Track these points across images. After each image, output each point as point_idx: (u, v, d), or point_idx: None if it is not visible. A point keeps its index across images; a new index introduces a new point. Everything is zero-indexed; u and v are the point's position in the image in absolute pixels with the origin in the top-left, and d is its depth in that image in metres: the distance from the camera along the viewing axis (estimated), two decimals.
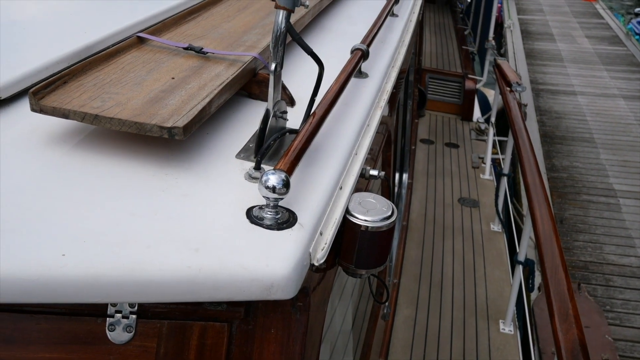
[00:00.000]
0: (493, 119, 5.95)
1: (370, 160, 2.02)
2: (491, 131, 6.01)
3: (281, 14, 1.40)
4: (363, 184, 1.74)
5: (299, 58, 2.09)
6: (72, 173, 1.21)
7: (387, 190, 2.48)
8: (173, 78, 1.59)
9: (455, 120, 7.35)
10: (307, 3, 1.52)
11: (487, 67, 7.66)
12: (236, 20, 2.21)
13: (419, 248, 4.87)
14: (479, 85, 7.52)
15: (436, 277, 4.65)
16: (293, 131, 1.50)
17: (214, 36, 2.07)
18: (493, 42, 7.50)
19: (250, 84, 1.79)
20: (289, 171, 1.14)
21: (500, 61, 5.81)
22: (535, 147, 10.00)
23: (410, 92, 4.78)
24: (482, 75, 7.73)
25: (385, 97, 2.19)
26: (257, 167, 1.33)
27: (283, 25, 1.40)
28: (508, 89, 5.10)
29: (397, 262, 4.55)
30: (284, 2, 1.42)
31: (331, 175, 1.37)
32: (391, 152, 2.97)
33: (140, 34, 1.88)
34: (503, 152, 6.27)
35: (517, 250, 4.13)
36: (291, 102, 1.77)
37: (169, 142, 1.38)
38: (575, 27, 17.24)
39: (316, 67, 1.60)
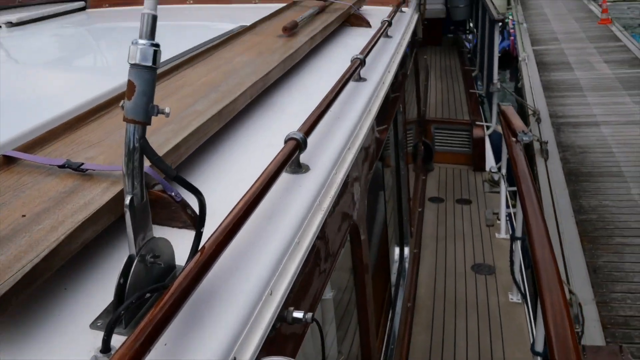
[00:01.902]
0: (504, 171, 5.43)
1: (299, 300, 1.55)
2: (503, 186, 5.48)
3: (133, 129, 1.07)
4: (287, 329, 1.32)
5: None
6: None
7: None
8: (24, 215, 1.26)
9: (467, 171, 6.84)
10: (168, 110, 1.14)
11: (495, 111, 7.17)
12: None
13: (427, 331, 4.32)
14: (488, 132, 7.01)
15: None
16: (158, 289, 1.10)
17: (109, 143, 1.69)
18: (499, 85, 7.00)
19: None
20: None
21: (505, 107, 5.30)
22: (559, 187, 9.39)
23: (402, 159, 4.32)
24: (491, 121, 7.24)
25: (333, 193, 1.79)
26: (105, 349, 0.97)
27: (136, 142, 1.07)
28: (514, 139, 4.59)
29: (401, 349, 4.00)
30: (134, 112, 1.07)
31: (220, 345, 1.02)
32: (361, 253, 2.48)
33: (8, 153, 1.52)
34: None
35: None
36: (200, 223, 1.29)
37: None
38: (593, 52, 16.67)
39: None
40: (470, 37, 12.25)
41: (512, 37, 19.68)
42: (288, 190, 1.64)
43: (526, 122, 12.31)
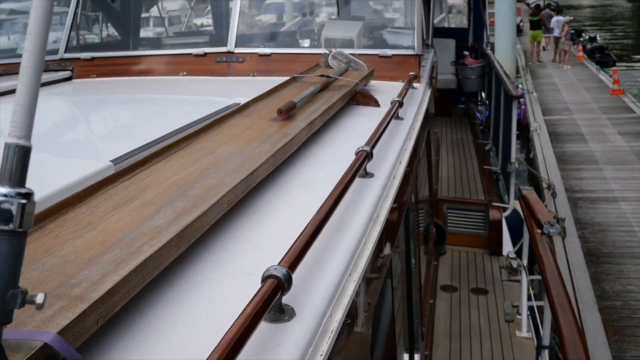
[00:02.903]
0: (525, 261, 4.92)
1: None
2: (524, 278, 4.96)
3: None
4: None
5: None
6: None
7: None
8: None
9: (482, 255, 6.33)
10: (40, 300, 0.82)
11: (512, 193, 6.71)
12: (93, 233, 1.48)
13: None
14: (506, 214, 6.54)
15: None
16: None
17: (40, 269, 1.26)
18: (517, 165, 6.56)
19: None
20: None
21: (527, 192, 4.82)
22: (579, 269, 8.81)
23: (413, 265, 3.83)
24: (508, 202, 6.77)
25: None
26: None
27: None
28: (538, 231, 4.10)
29: None
30: None
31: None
32: None
33: None
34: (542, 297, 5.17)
35: None
36: None
37: None
38: (606, 124, 16.33)
39: None
40: (481, 108, 11.91)
41: (522, 106, 19.44)
42: (265, 346, 1.18)
43: (540, 196, 11.84)
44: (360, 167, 2.17)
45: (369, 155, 2.29)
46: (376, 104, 3.83)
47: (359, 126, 3.30)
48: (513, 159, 6.45)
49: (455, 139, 9.74)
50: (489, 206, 6.41)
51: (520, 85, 22.66)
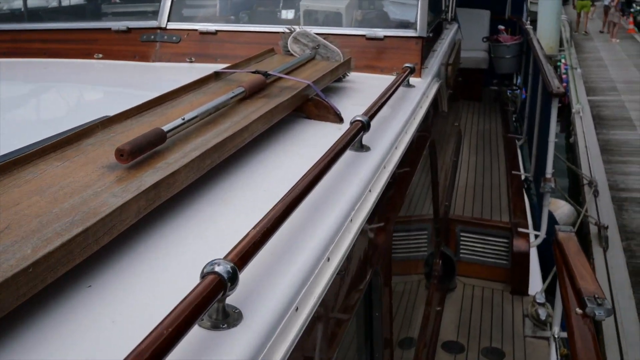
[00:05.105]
0: (556, 331, 3.58)
1: None
2: (553, 347, 3.64)
3: None
4: None
5: None
6: None
7: None
8: None
9: (502, 294, 5.00)
10: None
11: (545, 218, 5.30)
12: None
13: None
14: (536, 243, 5.14)
15: None
16: None
17: None
18: (552, 184, 5.11)
19: None
20: None
21: (565, 236, 3.35)
22: (623, 295, 7.35)
23: None
24: (538, 228, 5.36)
25: None
26: None
27: None
28: (579, 311, 2.76)
29: None
30: None
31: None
32: None
33: None
34: None
35: None
36: None
37: None
38: None
39: None
40: (517, 92, 10.35)
41: (564, 83, 17.69)
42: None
43: (579, 194, 10.36)
44: None
45: None
46: (336, 118, 2.57)
47: (287, 162, 2.14)
48: (549, 174, 5.03)
49: (481, 130, 8.28)
50: (513, 232, 5.06)
51: (563, 60, 20.84)
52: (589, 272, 3.02)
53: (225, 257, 1.11)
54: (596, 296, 2.79)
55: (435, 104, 4.02)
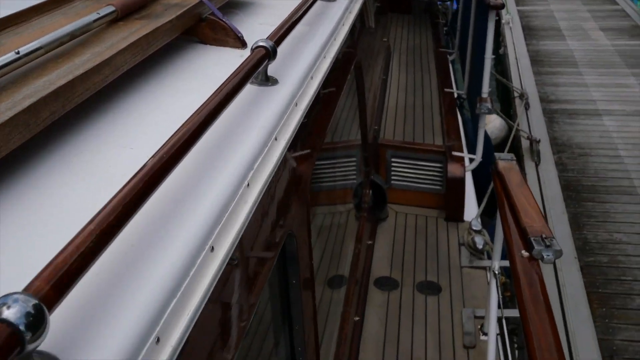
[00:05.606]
0: (496, 267, 3.29)
1: None
2: (493, 285, 3.36)
3: None
4: None
5: None
6: None
7: None
8: None
9: (436, 222, 4.69)
10: None
11: (481, 140, 4.93)
12: None
13: None
14: (471, 167, 4.78)
15: None
16: None
17: None
18: (489, 105, 4.71)
19: None
20: None
21: (506, 165, 2.97)
22: (556, 210, 7.21)
23: None
24: (473, 148, 5.01)
25: None
26: None
27: None
28: (525, 253, 2.41)
29: None
30: None
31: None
32: None
33: None
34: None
35: None
36: None
37: None
38: (586, 17, 14.46)
39: None
40: (447, 3, 9.84)
41: None
42: None
43: (511, 106, 10.18)
44: None
45: None
46: (237, 43, 2.07)
47: (168, 103, 1.68)
48: (485, 94, 4.61)
49: (411, 45, 7.80)
50: (447, 156, 4.69)
51: None
52: (533, 207, 2.66)
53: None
54: (544, 236, 2.46)
55: (361, 19, 3.51)
